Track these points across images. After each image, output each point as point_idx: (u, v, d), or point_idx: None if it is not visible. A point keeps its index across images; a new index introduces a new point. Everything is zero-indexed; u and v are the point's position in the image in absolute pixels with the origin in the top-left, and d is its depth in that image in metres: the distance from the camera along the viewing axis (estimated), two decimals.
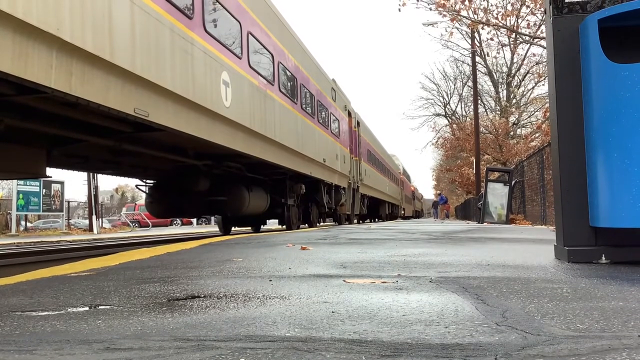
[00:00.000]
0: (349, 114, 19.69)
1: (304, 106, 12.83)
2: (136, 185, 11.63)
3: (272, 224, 16.15)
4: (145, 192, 11.11)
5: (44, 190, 24.22)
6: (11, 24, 3.97)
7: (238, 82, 8.41)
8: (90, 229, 25.05)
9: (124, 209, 48.30)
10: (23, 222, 27.47)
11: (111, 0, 5.15)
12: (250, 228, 16.10)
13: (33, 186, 23.44)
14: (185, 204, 10.63)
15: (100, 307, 2.04)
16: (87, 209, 28.23)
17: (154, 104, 5.96)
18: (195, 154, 8.97)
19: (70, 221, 30.83)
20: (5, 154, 6.21)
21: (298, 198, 13.72)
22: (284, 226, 13.56)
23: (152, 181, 11.15)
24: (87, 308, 2.02)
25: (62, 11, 4.47)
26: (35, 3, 4.17)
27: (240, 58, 8.56)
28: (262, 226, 16.07)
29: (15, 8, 3.96)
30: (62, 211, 26.43)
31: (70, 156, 7.94)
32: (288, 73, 11.57)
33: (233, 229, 14.94)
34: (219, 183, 10.43)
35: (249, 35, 9.03)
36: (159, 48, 6.01)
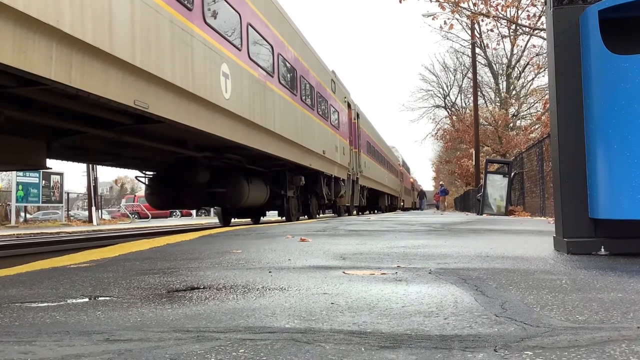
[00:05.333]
0: (349, 106, 19.67)
1: (303, 98, 12.82)
2: (136, 177, 11.63)
3: (272, 215, 16.18)
4: (145, 183, 11.10)
5: (44, 181, 24.21)
6: (11, 15, 3.97)
7: (238, 74, 8.40)
8: (90, 220, 25.05)
9: (123, 201, 48.33)
10: (22, 214, 27.49)
11: None
12: (249, 219, 16.12)
13: (32, 177, 23.43)
14: (185, 195, 10.64)
15: (99, 298, 2.04)
16: (87, 201, 28.23)
17: (154, 96, 5.95)
18: (195, 146, 8.97)
19: (69, 212, 30.84)
20: (5, 146, 6.22)
21: (297, 190, 13.72)
22: (284, 218, 13.58)
23: (151, 173, 11.15)
24: (86, 299, 2.03)
25: (62, 3, 4.45)
26: None
27: (240, 50, 8.54)
28: (261, 218, 16.09)
29: (15, 0, 3.94)
30: (61, 202, 26.43)
31: (70, 148, 7.93)
32: (288, 65, 11.55)
33: (233, 220, 14.95)
34: (219, 175, 10.43)
35: (249, 26, 9.00)
36: (159, 40, 5.99)
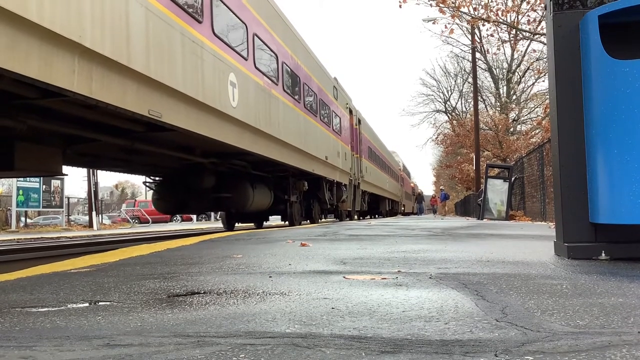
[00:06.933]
0: (350, 112, 19.79)
1: (306, 105, 13.03)
2: (144, 182, 11.94)
3: (274, 220, 16.26)
4: (152, 189, 11.34)
5: (44, 186, 24.21)
6: (38, 32, 4.17)
7: (244, 83, 8.61)
8: (90, 225, 25.04)
9: (123, 205, 48.28)
10: (23, 218, 27.49)
11: (128, 8, 5.36)
12: (253, 224, 16.21)
13: (33, 182, 23.42)
14: (191, 200, 10.86)
15: (100, 303, 2.04)
16: (87, 205, 28.23)
17: (167, 105, 6.18)
18: (202, 152, 9.18)
19: (70, 217, 30.83)
20: (26, 153, 6.45)
21: (300, 195, 13.90)
22: (287, 222, 13.70)
23: (159, 178, 11.40)
24: (87, 304, 2.02)
25: (84, 19, 4.67)
26: (60, 12, 4.37)
27: (246, 59, 8.75)
28: (264, 222, 16.20)
29: (42, 18, 4.16)
30: (62, 207, 26.43)
31: (82, 154, 8.15)
32: (291, 73, 11.76)
33: (236, 225, 15.07)
34: (224, 180, 10.66)
35: (255, 36, 9.23)
36: (171, 52, 6.23)
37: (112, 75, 5.15)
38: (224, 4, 7.90)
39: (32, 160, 6.46)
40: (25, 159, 6.35)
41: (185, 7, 6.60)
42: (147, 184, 11.60)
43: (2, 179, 43.33)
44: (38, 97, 5.00)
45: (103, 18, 4.95)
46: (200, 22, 6.99)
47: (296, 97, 12.04)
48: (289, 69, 11.54)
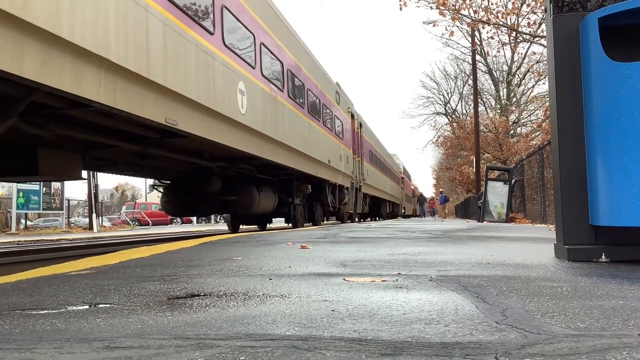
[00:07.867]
0: (352, 116, 19.94)
1: (310, 110, 13.30)
2: (152, 186, 12.24)
3: (277, 222, 16.36)
4: (160, 192, 11.59)
5: (44, 188, 24.19)
6: (69, 49, 4.45)
7: (252, 91, 8.89)
8: (90, 227, 25.03)
9: (123, 208, 48.30)
10: (23, 221, 27.47)
11: (148, 24, 5.64)
12: (256, 226, 16.32)
13: (33, 184, 23.38)
14: (199, 203, 11.12)
15: (100, 305, 2.04)
16: (87, 208, 28.22)
17: (182, 113, 6.49)
18: (211, 157, 9.44)
19: (70, 219, 30.82)
20: (51, 159, 6.73)
21: (304, 197, 14.09)
22: (290, 224, 13.86)
23: (167, 182, 11.63)
24: (87, 306, 2.02)
25: (109, 35, 4.97)
26: (90, 30, 4.66)
27: (254, 68, 9.01)
28: (268, 224, 16.33)
29: (73, 35, 4.47)
30: (62, 209, 26.43)
31: (98, 159, 8.40)
32: (296, 79, 12.02)
33: (241, 227, 15.19)
34: (231, 183, 10.92)
35: (262, 45, 9.49)
36: (186, 63, 6.54)
37: (134, 87, 5.46)
38: (233, 15, 8.14)
39: (54, 166, 6.77)
40: (47, 164, 6.69)
41: (198, 19, 6.87)
42: (156, 187, 11.85)
43: (2, 182, 43.31)
44: (66, 107, 5.38)
45: (126, 33, 5.24)
46: (212, 34, 7.25)
47: (300, 102, 12.29)
48: (294, 75, 11.79)
